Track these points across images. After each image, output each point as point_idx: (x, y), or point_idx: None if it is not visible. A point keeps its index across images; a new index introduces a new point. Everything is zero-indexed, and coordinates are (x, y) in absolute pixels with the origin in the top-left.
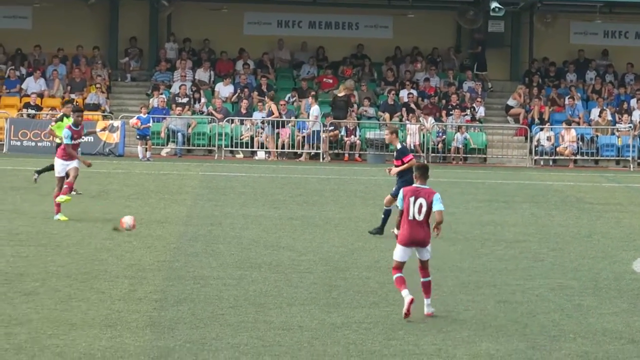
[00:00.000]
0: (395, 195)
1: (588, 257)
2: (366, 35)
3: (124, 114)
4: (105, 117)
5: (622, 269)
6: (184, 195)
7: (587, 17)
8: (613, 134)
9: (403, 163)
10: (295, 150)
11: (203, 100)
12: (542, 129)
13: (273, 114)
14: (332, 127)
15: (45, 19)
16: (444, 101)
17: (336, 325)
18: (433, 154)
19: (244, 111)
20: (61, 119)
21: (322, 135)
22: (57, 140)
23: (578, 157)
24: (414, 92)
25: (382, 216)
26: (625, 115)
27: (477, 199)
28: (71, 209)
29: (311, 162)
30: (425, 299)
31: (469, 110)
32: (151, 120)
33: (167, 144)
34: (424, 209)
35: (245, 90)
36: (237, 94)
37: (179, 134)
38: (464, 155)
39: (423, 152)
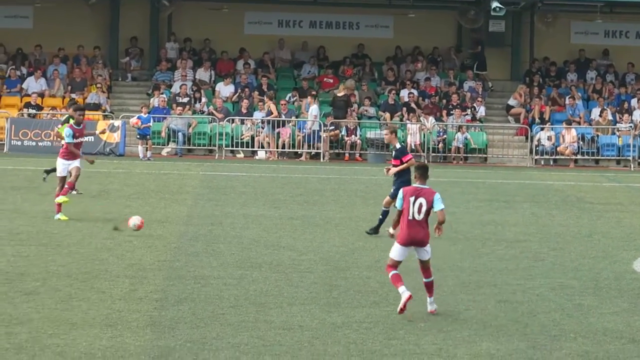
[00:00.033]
0: (393, 197)
1: (589, 257)
2: (367, 35)
3: (124, 114)
4: (105, 117)
5: (622, 269)
6: (184, 194)
7: (587, 17)
8: (614, 133)
9: (402, 163)
10: (295, 150)
11: (204, 100)
12: (542, 129)
13: (272, 113)
14: (332, 127)
15: (46, 18)
16: (444, 101)
17: (337, 324)
18: (433, 154)
19: (244, 111)
20: (67, 121)
21: (323, 135)
22: (63, 142)
23: (579, 156)
24: (415, 92)
25: (380, 217)
26: (626, 115)
27: (478, 199)
28: (72, 209)
29: (312, 161)
30: (428, 298)
31: (469, 110)
32: (152, 120)
33: (168, 144)
34: (424, 209)
35: (246, 90)
36: (237, 94)
37: (180, 134)
38: (465, 155)
39: (423, 151)
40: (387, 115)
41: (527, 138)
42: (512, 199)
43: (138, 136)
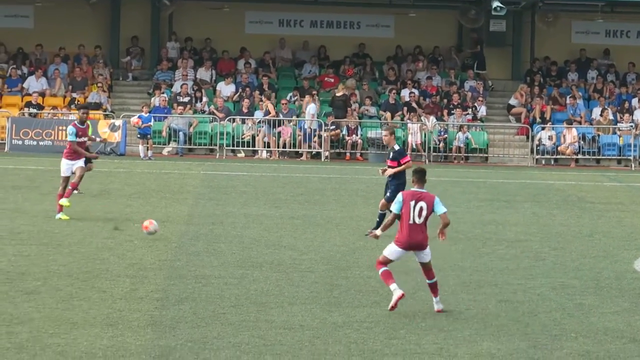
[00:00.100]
0: (390, 200)
1: (589, 257)
2: (368, 34)
3: (125, 113)
4: (106, 117)
5: (623, 268)
6: (185, 194)
7: (588, 17)
8: (614, 133)
9: (399, 165)
10: (296, 150)
11: (204, 99)
12: (543, 128)
13: (270, 113)
14: (333, 127)
15: (46, 18)
16: (445, 100)
17: (337, 324)
18: (434, 153)
19: (245, 110)
20: None
21: (324, 134)
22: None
23: (579, 156)
24: (416, 92)
25: (377, 219)
26: (627, 115)
27: (479, 198)
28: (72, 208)
29: (312, 161)
30: (434, 298)
31: (470, 110)
32: (152, 120)
33: (169, 143)
34: (424, 213)
35: (247, 89)
36: (238, 93)
37: (181, 133)
38: (466, 155)
39: (424, 151)
40: (388, 114)
41: (528, 138)
42: (513, 199)
43: (139, 136)
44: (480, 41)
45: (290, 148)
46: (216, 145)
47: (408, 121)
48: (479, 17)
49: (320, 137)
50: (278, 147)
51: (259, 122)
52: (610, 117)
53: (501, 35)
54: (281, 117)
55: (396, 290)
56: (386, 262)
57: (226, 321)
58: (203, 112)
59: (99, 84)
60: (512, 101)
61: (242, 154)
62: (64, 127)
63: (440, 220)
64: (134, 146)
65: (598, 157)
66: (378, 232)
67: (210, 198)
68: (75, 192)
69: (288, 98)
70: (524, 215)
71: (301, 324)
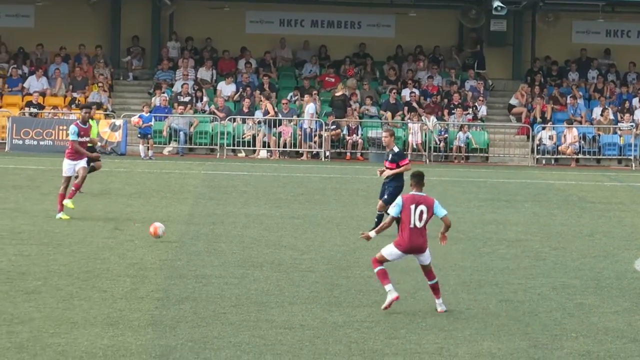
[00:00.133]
0: (388, 202)
1: (590, 256)
2: (368, 34)
3: (126, 113)
4: (107, 116)
5: (624, 268)
6: (185, 194)
7: (589, 16)
8: (615, 133)
9: (398, 167)
10: (297, 150)
11: (205, 99)
12: (544, 128)
13: (269, 113)
14: (334, 126)
15: (47, 17)
16: (446, 100)
17: (338, 324)
18: (435, 153)
19: (246, 110)
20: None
21: (324, 134)
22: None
23: (580, 156)
24: (416, 91)
25: (375, 220)
26: (627, 115)
27: (479, 198)
28: (73, 208)
29: (313, 161)
30: (437, 299)
31: (471, 109)
32: (153, 119)
33: (169, 143)
34: (424, 217)
35: (248, 89)
36: (239, 93)
37: (181, 133)
38: (466, 154)
39: (425, 151)
40: (389, 114)
41: (528, 137)
42: (513, 199)
43: (139, 135)
44: (479, 40)
45: (291, 148)
46: (217, 145)
47: (409, 121)
48: (480, 17)
49: (320, 136)
50: (278, 147)
51: (258, 122)
52: (611, 116)
53: (502, 35)
54: (280, 116)
55: (391, 292)
56: (383, 261)
57: (227, 321)
58: (204, 111)
59: (100, 84)
60: (513, 101)
61: (243, 154)
62: (65, 127)
63: (443, 223)
64: (135, 146)
65: (598, 156)
66: (372, 233)
67: (210, 198)
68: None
69: (289, 98)
70: (524, 215)
71: (302, 323)
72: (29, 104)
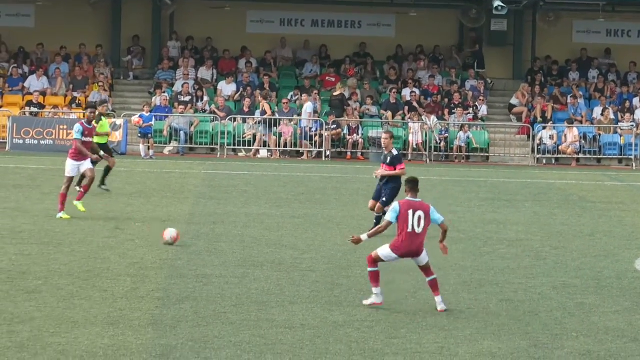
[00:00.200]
0: (386, 204)
1: (590, 256)
2: (369, 33)
3: (126, 112)
4: (107, 116)
5: (624, 268)
6: (186, 193)
7: (589, 16)
8: (615, 132)
9: (395, 170)
10: (297, 149)
11: (206, 98)
12: (544, 128)
13: (266, 112)
14: (334, 126)
15: (48, 17)
16: (446, 100)
17: (338, 323)
18: (435, 153)
19: (246, 110)
20: (100, 118)
21: (325, 133)
22: (95, 139)
23: (580, 155)
24: (417, 91)
25: (374, 221)
26: (628, 114)
27: (480, 198)
28: (74, 208)
29: (313, 160)
30: (436, 297)
31: (471, 109)
32: (154, 119)
33: (170, 143)
34: (423, 222)
35: (248, 88)
36: (239, 93)
37: (182, 133)
38: (467, 154)
39: (425, 150)
40: (389, 114)
41: (529, 137)
42: (514, 198)
43: (140, 135)
44: (479, 40)
45: (291, 147)
46: (217, 145)
47: (409, 120)
48: (480, 17)
49: (321, 136)
50: (279, 147)
51: (256, 122)
52: (612, 116)
53: (502, 34)
54: (277, 116)
55: (378, 296)
56: (377, 261)
57: (227, 320)
58: (204, 111)
59: (100, 83)
60: (513, 101)
61: (243, 153)
62: (65, 126)
63: (440, 229)
64: (135, 145)
65: (599, 156)
66: (364, 236)
67: (211, 197)
68: (77, 188)
69: (289, 97)
70: (525, 215)
71: (302, 323)
72: (30, 104)
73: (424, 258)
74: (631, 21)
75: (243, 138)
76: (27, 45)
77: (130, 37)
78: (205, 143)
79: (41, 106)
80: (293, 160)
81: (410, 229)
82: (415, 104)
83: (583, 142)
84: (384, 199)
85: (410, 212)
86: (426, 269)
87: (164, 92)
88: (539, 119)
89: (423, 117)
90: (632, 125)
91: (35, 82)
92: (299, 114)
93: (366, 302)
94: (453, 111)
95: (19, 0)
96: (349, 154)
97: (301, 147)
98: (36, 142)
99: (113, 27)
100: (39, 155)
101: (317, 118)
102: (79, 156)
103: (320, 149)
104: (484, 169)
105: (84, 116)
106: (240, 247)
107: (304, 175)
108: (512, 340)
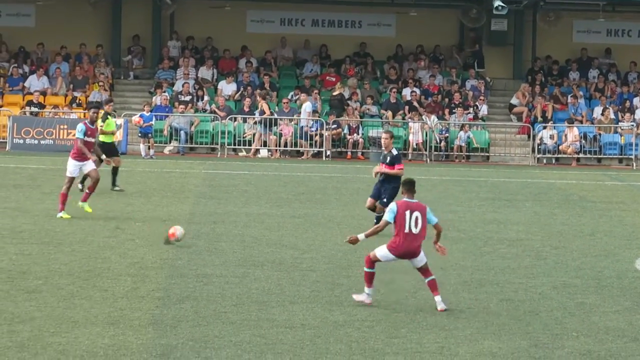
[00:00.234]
0: (386, 205)
1: (591, 255)
2: (369, 33)
3: (126, 112)
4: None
5: (624, 267)
6: (186, 193)
7: (590, 16)
8: (616, 132)
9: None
10: (297, 149)
11: (206, 98)
12: (544, 127)
13: (264, 112)
14: (334, 126)
15: (48, 16)
16: (446, 99)
17: (339, 323)
18: (436, 152)
19: (246, 109)
20: (106, 117)
21: (325, 133)
22: (101, 138)
23: (581, 155)
24: (417, 91)
25: (375, 221)
26: (628, 114)
27: (480, 197)
28: (73, 207)
29: (314, 160)
30: (435, 297)
31: (471, 109)
32: (154, 118)
33: (170, 142)
34: (420, 223)
35: (248, 88)
36: (240, 92)
37: (182, 132)
38: (467, 154)
39: (426, 150)
40: (389, 113)
41: (529, 137)
42: (514, 198)
43: (140, 134)
44: (478, 39)
45: (292, 147)
46: (217, 144)
47: (409, 120)
48: (481, 16)
49: (321, 136)
50: (279, 147)
51: (255, 121)
52: (612, 116)
53: (502, 34)
54: (275, 116)
55: (368, 297)
56: (375, 261)
57: (227, 320)
58: (204, 111)
59: (101, 83)
60: (514, 100)
61: (244, 153)
62: (66, 126)
63: (435, 230)
64: (135, 145)
65: (599, 156)
66: (361, 236)
67: (211, 197)
68: (79, 186)
69: (289, 97)
70: (525, 214)
71: (302, 322)
72: (30, 103)
73: (421, 259)
74: (631, 21)
75: (243, 138)
76: (27, 44)
77: (130, 36)
78: (205, 143)
79: (41, 106)
80: (293, 160)
81: (407, 230)
82: (415, 103)
83: (583, 141)
84: (384, 199)
85: (408, 212)
86: (424, 270)
87: (164, 92)
88: (539, 119)
89: (423, 117)
90: (633, 125)
91: (36, 82)
92: (299, 114)
93: (356, 297)
94: (453, 111)
95: None
96: (349, 153)
97: (301, 147)
98: (36, 141)
99: (113, 27)
100: (39, 155)
101: (317, 118)
102: (81, 156)
103: (321, 149)
104: (484, 169)
105: (84, 115)
106: (241, 246)
107: (304, 175)
108: (512, 339)
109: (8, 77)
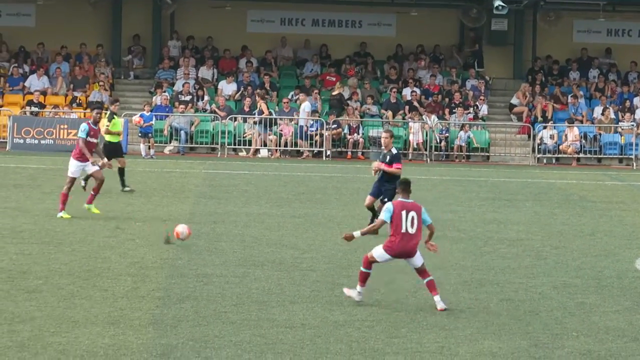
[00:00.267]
0: (383, 203)
1: (591, 255)
2: (369, 33)
3: (127, 112)
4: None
5: (625, 267)
6: (186, 193)
7: (590, 15)
8: (616, 132)
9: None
10: (297, 149)
11: (206, 98)
12: (545, 127)
13: (263, 112)
14: (335, 125)
15: (48, 16)
16: (447, 99)
17: (339, 323)
18: (436, 152)
19: (247, 109)
20: (112, 117)
21: (325, 133)
22: (107, 138)
23: (581, 155)
24: (417, 90)
25: (369, 220)
26: (628, 114)
27: (480, 197)
28: (73, 207)
29: (314, 160)
30: (435, 297)
31: (472, 109)
32: (154, 118)
33: (170, 142)
34: (416, 223)
35: (249, 88)
36: (240, 92)
37: (182, 132)
38: (467, 154)
39: (426, 150)
40: (390, 113)
41: (529, 136)
42: (514, 198)
43: (140, 134)
44: (478, 39)
45: (292, 147)
46: (218, 144)
47: (409, 120)
48: (481, 16)
49: (321, 136)
50: (279, 146)
51: (254, 121)
52: (612, 116)
53: (503, 34)
54: (274, 115)
55: (359, 294)
56: (372, 262)
57: (227, 320)
58: (204, 110)
59: (101, 83)
60: (514, 100)
61: (244, 153)
62: (66, 126)
63: (428, 230)
64: (136, 145)
65: (599, 156)
66: (357, 233)
67: (211, 197)
68: (82, 184)
69: (290, 97)
70: (525, 214)
71: (302, 322)
72: (30, 103)
73: (418, 260)
74: (632, 21)
75: (243, 137)
76: (27, 44)
77: (130, 36)
78: (205, 142)
79: (42, 106)
80: (293, 160)
81: (403, 230)
82: (415, 103)
83: (583, 141)
84: (385, 199)
85: (404, 212)
86: (422, 271)
87: (165, 92)
88: (540, 119)
89: (423, 117)
90: (633, 125)
91: (36, 82)
92: (299, 114)
93: (347, 291)
94: (453, 111)
95: None
96: (349, 153)
97: (301, 147)
98: (37, 141)
99: (113, 27)
100: (39, 155)
101: (317, 118)
102: (84, 157)
103: (321, 149)
104: (484, 169)
105: (84, 115)
106: (241, 246)
107: (304, 174)
108: (512, 339)
109: (8, 77)
